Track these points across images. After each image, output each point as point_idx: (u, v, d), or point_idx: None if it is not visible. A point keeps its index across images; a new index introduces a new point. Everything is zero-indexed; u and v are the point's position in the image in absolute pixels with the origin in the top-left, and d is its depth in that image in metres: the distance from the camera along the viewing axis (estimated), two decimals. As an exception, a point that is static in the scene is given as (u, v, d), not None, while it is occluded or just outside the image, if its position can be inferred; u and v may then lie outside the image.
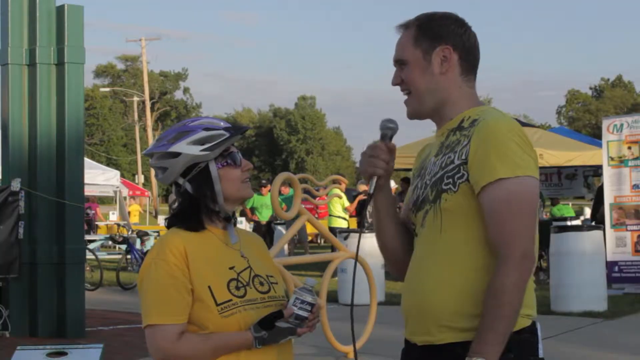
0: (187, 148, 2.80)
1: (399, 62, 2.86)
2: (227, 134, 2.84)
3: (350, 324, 2.87)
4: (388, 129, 2.88)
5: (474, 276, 2.63)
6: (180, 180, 2.84)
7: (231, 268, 2.82)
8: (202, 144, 2.81)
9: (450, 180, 2.68)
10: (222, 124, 2.88)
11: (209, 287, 2.75)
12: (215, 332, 2.74)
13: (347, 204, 19.90)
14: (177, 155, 2.81)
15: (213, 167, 2.83)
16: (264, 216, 19.92)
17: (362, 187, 19.32)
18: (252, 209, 20.03)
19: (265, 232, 19.45)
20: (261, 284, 2.85)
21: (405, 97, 2.86)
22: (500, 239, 2.59)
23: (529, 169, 2.63)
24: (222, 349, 2.74)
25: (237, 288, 2.78)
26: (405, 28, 2.87)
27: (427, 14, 2.87)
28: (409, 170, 25.11)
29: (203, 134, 2.82)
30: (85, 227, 32.86)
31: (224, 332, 2.73)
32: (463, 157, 2.67)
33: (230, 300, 2.75)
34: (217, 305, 2.73)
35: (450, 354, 2.64)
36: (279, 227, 19.66)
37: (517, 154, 2.62)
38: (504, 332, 2.56)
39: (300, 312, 2.76)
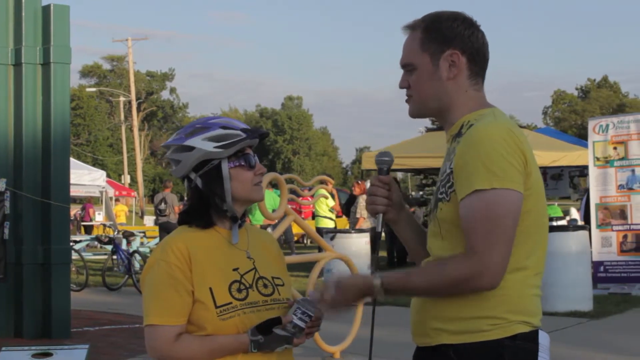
0: (202, 143, 2.82)
1: (407, 66, 2.77)
2: (243, 135, 2.85)
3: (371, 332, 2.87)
4: (383, 163, 2.90)
5: None
6: (192, 175, 2.86)
7: (235, 269, 2.81)
8: (217, 142, 2.82)
9: (444, 189, 2.65)
10: (241, 125, 2.90)
11: (210, 288, 2.74)
12: (212, 335, 2.73)
13: (332, 203, 19.86)
14: (191, 149, 2.83)
15: (225, 166, 2.84)
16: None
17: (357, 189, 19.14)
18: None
19: None
20: (265, 286, 2.84)
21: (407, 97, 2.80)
22: (474, 244, 2.53)
23: (509, 181, 2.52)
24: (218, 351, 2.73)
25: (239, 290, 2.77)
26: (412, 30, 2.77)
27: (433, 15, 2.77)
28: (395, 170, 25.18)
29: (219, 131, 2.84)
30: (79, 227, 32.67)
31: (221, 335, 2.72)
32: (452, 165, 2.62)
33: (230, 303, 2.74)
34: (217, 307, 2.73)
35: (444, 355, 2.63)
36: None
37: (498, 164, 2.52)
38: (411, 287, 2.64)
39: (299, 322, 2.76)
